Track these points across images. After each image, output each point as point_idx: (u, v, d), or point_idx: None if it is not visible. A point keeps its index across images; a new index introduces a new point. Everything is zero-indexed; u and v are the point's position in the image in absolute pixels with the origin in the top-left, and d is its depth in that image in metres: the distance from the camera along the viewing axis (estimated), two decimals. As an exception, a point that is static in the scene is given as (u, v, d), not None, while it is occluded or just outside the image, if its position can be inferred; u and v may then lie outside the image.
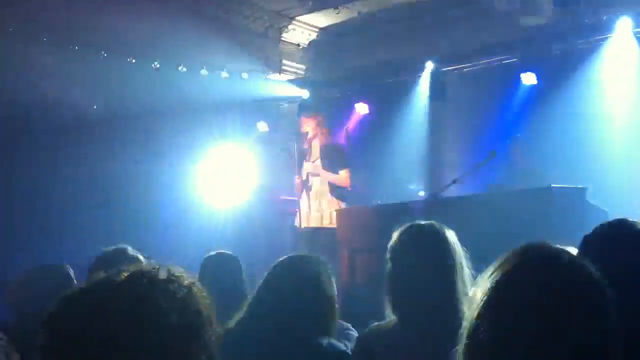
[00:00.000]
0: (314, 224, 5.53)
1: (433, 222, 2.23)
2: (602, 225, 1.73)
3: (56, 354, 1.00)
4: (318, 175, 5.66)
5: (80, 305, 1.01)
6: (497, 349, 1.11)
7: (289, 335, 2.14)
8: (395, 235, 2.21)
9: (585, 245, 1.71)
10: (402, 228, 2.22)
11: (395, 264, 2.17)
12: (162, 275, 1.05)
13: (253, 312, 2.26)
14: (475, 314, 1.15)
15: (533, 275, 1.14)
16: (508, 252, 1.20)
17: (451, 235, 2.19)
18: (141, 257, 2.88)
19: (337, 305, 2.32)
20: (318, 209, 5.55)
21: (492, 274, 1.18)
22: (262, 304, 2.26)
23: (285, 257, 2.40)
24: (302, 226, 5.64)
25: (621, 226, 1.73)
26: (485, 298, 1.16)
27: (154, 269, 1.06)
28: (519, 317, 1.11)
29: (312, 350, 2.13)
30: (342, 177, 5.58)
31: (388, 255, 2.19)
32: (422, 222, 2.24)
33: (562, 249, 1.19)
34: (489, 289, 1.16)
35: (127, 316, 0.99)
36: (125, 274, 1.06)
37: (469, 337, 1.15)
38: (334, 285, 2.33)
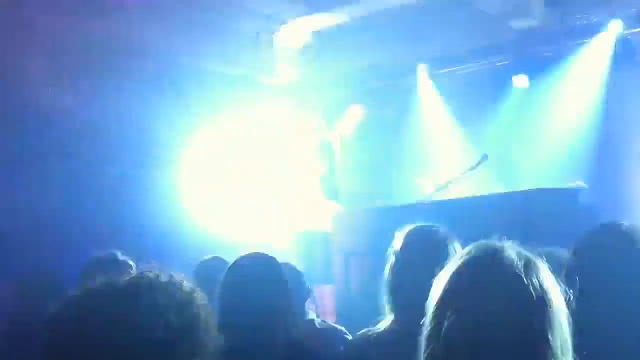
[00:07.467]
0: (311, 226, 5.54)
1: (436, 225, 2.20)
2: (593, 228, 1.73)
3: (58, 355, 1.00)
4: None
5: (83, 307, 1.02)
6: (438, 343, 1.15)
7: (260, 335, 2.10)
8: (398, 237, 2.18)
9: (576, 247, 1.71)
10: (406, 230, 2.19)
11: (397, 266, 2.14)
12: (164, 279, 1.06)
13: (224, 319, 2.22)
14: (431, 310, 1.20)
15: (473, 274, 1.19)
16: (458, 254, 1.23)
17: (453, 237, 2.18)
18: (131, 262, 2.88)
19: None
20: (314, 212, 5.56)
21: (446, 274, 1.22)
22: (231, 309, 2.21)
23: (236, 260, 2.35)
24: (300, 229, 5.65)
25: (611, 229, 1.72)
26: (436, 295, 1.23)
27: (155, 273, 1.06)
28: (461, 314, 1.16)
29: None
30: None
31: (390, 257, 2.16)
32: (426, 224, 2.21)
33: (505, 246, 1.21)
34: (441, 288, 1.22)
35: (128, 319, 1.00)
36: (127, 278, 1.06)
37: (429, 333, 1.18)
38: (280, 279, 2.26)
